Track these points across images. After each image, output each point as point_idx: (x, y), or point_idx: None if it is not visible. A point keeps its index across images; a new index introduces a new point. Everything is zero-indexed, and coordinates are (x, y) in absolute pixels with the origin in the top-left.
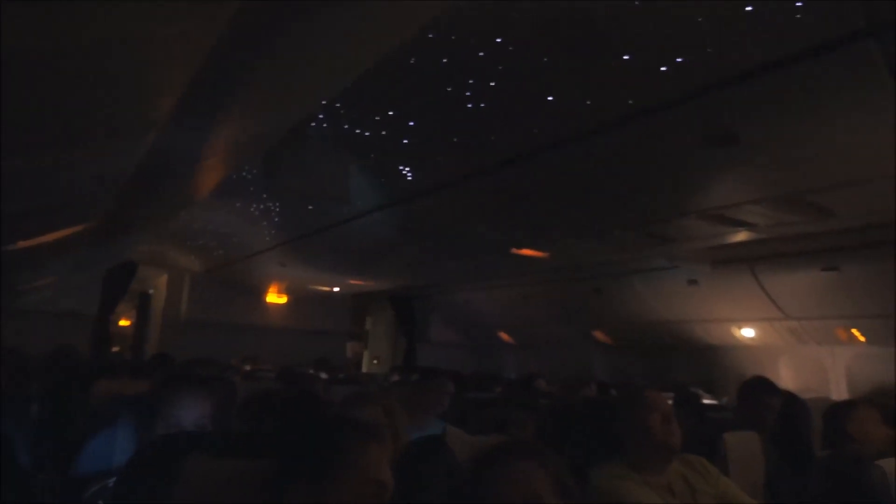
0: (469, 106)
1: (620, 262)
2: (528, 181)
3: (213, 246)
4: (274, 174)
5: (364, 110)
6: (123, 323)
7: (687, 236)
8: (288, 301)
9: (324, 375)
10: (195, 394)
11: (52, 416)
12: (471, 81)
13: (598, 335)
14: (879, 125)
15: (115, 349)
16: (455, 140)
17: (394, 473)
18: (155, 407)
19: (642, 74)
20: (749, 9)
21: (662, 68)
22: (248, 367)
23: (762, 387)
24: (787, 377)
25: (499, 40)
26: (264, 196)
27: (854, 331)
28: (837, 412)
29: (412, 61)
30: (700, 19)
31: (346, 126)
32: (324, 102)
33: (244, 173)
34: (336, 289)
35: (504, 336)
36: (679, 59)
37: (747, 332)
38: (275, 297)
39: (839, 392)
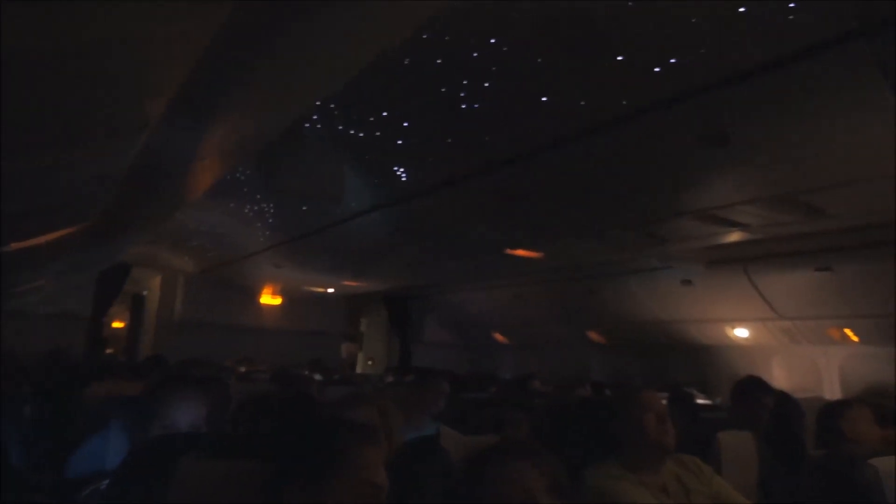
0: (463, 106)
1: (615, 263)
2: (522, 181)
3: (208, 247)
4: (268, 175)
5: (359, 110)
6: (117, 325)
7: (681, 236)
8: (282, 302)
9: (318, 377)
10: (189, 395)
11: (46, 417)
12: (465, 82)
13: (593, 335)
14: (872, 126)
15: (109, 351)
16: (449, 141)
17: (388, 474)
18: (149, 408)
19: (637, 75)
20: (743, 9)
21: (657, 69)
22: (242, 369)
23: (756, 386)
24: (780, 377)
25: (493, 41)
26: (259, 197)
27: (847, 331)
28: (831, 412)
29: (407, 61)
30: (694, 20)
31: (340, 126)
32: (318, 102)
33: (238, 174)
34: (331, 290)
35: (499, 337)
36: (673, 60)
37: (741, 333)
38: (269, 299)
39: (832, 392)
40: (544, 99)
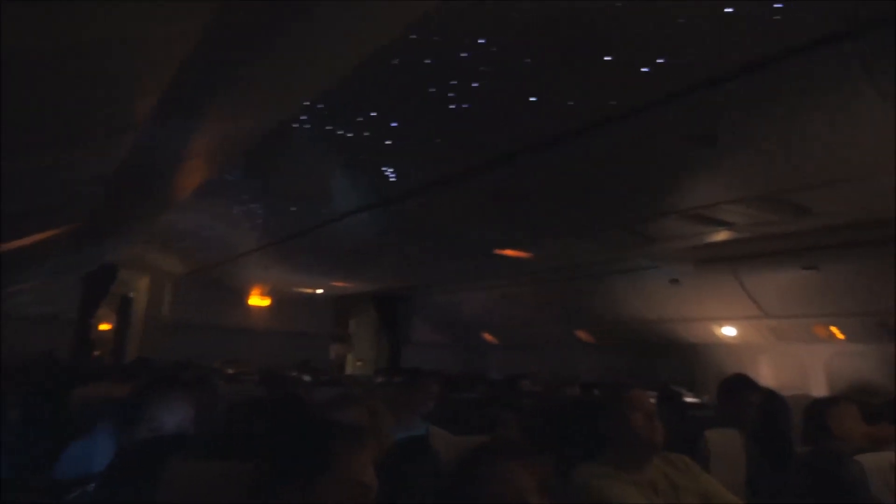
0: (452, 107)
1: (604, 262)
2: (511, 182)
3: (196, 248)
4: (258, 175)
5: (348, 110)
6: (104, 327)
7: (670, 236)
8: (271, 303)
9: (307, 378)
10: (176, 397)
11: (33, 420)
12: (454, 82)
13: (582, 335)
14: (857, 125)
15: (97, 353)
16: (438, 141)
17: (378, 474)
18: (136, 411)
19: (626, 75)
20: (730, 10)
21: (645, 69)
22: (230, 371)
23: (742, 384)
24: (767, 375)
25: (483, 41)
26: (247, 197)
27: (833, 329)
28: (817, 409)
29: (396, 61)
30: (682, 21)
31: (329, 126)
32: (307, 103)
33: (227, 174)
34: (320, 291)
35: (489, 337)
36: (661, 60)
37: (729, 331)
38: (258, 300)
39: (819, 389)
40: (533, 99)
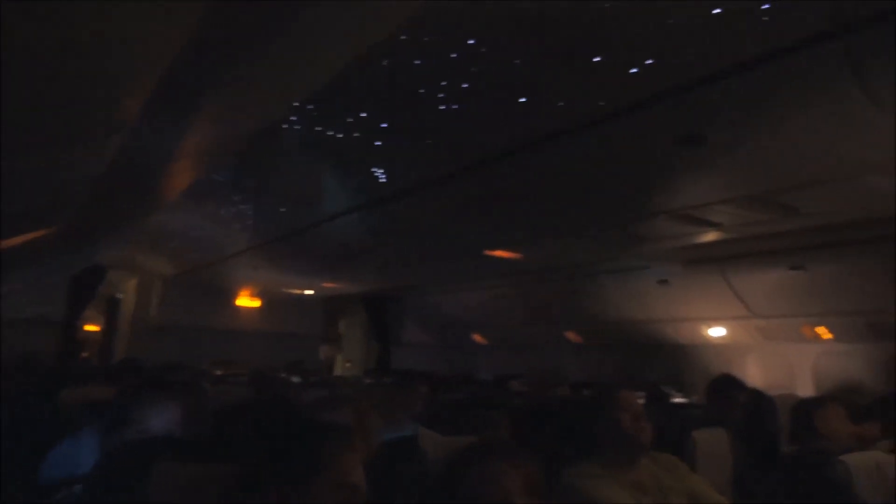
0: (442, 107)
1: (593, 263)
2: (501, 182)
3: (185, 249)
4: (247, 176)
5: (337, 112)
6: (91, 328)
7: (659, 236)
8: (260, 304)
9: (296, 379)
10: (163, 399)
11: (19, 422)
12: (444, 83)
13: (571, 335)
14: (844, 125)
15: (84, 355)
16: (428, 142)
17: (367, 475)
18: (122, 412)
19: (615, 76)
20: (718, 11)
21: (634, 70)
22: (218, 372)
23: (730, 384)
24: (755, 375)
25: (471, 42)
26: (236, 198)
27: (820, 329)
28: (804, 409)
29: (386, 62)
30: (671, 21)
31: (319, 127)
32: (297, 103)
33: (216, 175)
34: (309, 292)
35: (478, 338)
36: (650, 61)
37: (717, 331)
38: (247, 301)
39: (806, 389)
40: (522, 100)
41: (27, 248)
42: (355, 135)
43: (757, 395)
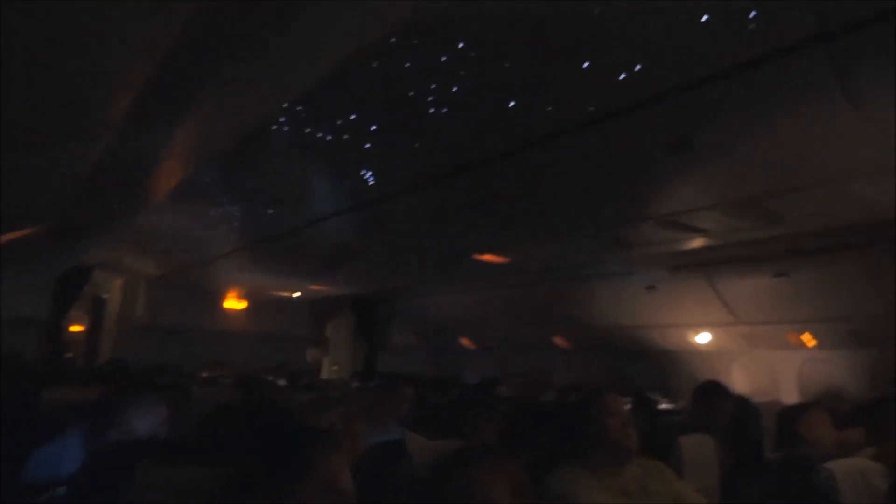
0: (432, 111)
1: (581, 267)
2: (488, 186)
3: (171, 249)
4: (234, 177)
5: (326, 113)
6: (76, 328)
7: (646, 241)
8: (247, 306)
9: (283, 382)
10: (148, 401)
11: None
12: (433, 86)
13: (559, 340)
14: (827, 131)
15: (69, 355)
16: (417, 145)
17: (354, 478)
18: (107, 414)
19: (603, 81)
20: (705, 18)
21: (622, 75)
22: (204, 374)
23: (715, 390)
24: (740, 381)
25: (461, 45)
26: (224, 199)
27: (805, 335)
28: (789, 415)
29: (375, 65)
30: (659, 27)
31: (307, 129)
32: (286, 105)
33: (204, 176)
34: (297, 294)
35: (465, 341)
36: (638, 67)
37: (703, 337)
38: (234, 302)
39: (790, 395)
40: (512, 104)
41: (11, 247)
42: (344, 137)
43: (742, 402)
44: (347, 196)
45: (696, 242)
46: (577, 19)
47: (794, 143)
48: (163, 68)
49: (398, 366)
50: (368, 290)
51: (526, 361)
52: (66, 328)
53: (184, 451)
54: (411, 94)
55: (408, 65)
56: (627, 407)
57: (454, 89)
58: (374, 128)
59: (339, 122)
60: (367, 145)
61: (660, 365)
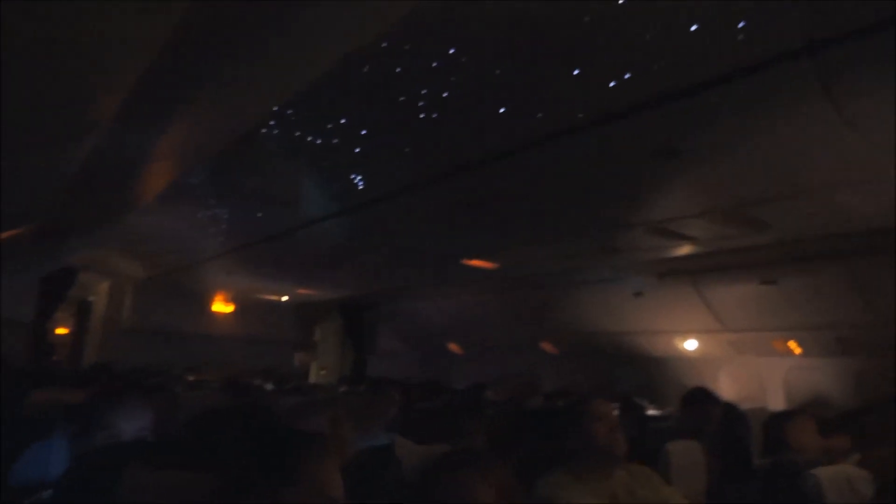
0: (422, 116)
1: (569, 273)
2: (478, 190)
3: (159, 252)
4: (223, 179)
5: (316, 117)
6: (61, 331)
7: (634, 248)
8: (235, 310)
9: (270, 386)
10: (134, 404)
11: None
12: (424, 91)
13: (547, 345)
14: (814, 140)
15: (54, 358)
16: (407, 149)
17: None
18: (92, 417)
19: (593, 88)
20: (694, 28)
21: (612, 83)
22: (191, 378)
23: (703, 397)
24: (727, 388)
25: (452, 50)
26: (213, 202)
27: (791, 343)
28: (775, 422)
29: (366, 69)
30: (649, 36)
31: (297, 132)
32: (276, 108)
33: (193, 178)
34: (285, 298)
35: (454, 346)
36: (628, 75)
37: (690, 344)
38: (222, 306)
39: (776, 402)
40: (502, 110)
41: None
42: (334, 140)
43: (729, 409)
44: (336, 199)
45: (684, 249)
46: (568, 26)
47: (781, 152)
48: (152, 69)
49: (387, 370)
50: (357, 293)
51: (515, 366)
52: (52, 331)
53: (172, 454)
54: (402, 98)
55: (399, 69)
56: (615, 412)
57: (445, 94)
58: (364, 132)
59: (329, 125)
60: (357, 149)
61: (647, 371)
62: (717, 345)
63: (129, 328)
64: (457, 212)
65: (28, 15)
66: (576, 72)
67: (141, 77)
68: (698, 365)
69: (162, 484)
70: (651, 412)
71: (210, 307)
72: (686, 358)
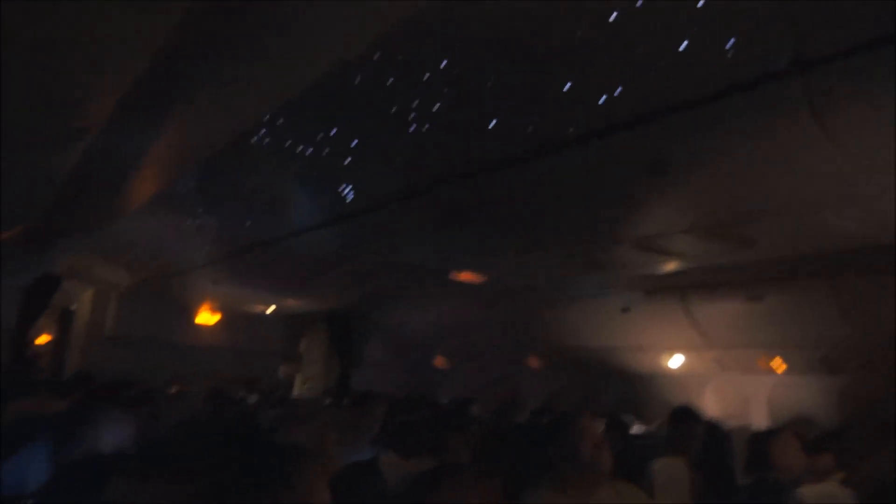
0: (412, 127)
1: (556, 287)
2: (467, 203)
3: (144, 260)
4: (212, 188)
5: (307, 126)
6: (42, 339)
7: (621, 263)
8: (220, 320)
9: (254, 397)
10: (115, 415)
11: None
12: (414, 103)
13: (533, 360)
14: (800, 158)
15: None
16: (396, 160)
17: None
18: (73, 428)
19: (583, 103)
20: (683, 47)
21: (602, 99)
22: (174, 389)
23: (687, 415)
24: (712, 405)
25: (443, 63)
26: (200, 210)
27: (775, 360)
28: (760, 440)
29: (358, 79)
30: (639, 53)
31: (288, 141)
32: (266, 117)
33: (181, 186)
34: (270, 308)
35: (440, 360)
36: (618, 91)
37: (676, 360)
38: (207, 316)
39: (761, 420)
40: (492, 123)
41: None
42: (323, 150)
43: (712, 427)
44: (324, 209)
45: (671, 265)
46: (559, 42)
47: (769, 170)
48: (144, 77)
49: (372, 381)
50: (343, 305)
51: (500, 379)
52: (33, 339)
53: (154, 466)
54: (392, 109)
55: (391, 81)
56: (601, 429)
57: (435, 107)
58: (354, 143)
59: (318, 135)
60: (347, 160)
61: (633, 387)
62: (703, 362)
63: (112, 337)
64: (444, 224)
65: (24, 17)
66: (566, 87)
67: (132, 84)
68: (683, 381)
69: (147, 495)
70: (637, 429)
71: (195, 317)
72: (671, 374)
